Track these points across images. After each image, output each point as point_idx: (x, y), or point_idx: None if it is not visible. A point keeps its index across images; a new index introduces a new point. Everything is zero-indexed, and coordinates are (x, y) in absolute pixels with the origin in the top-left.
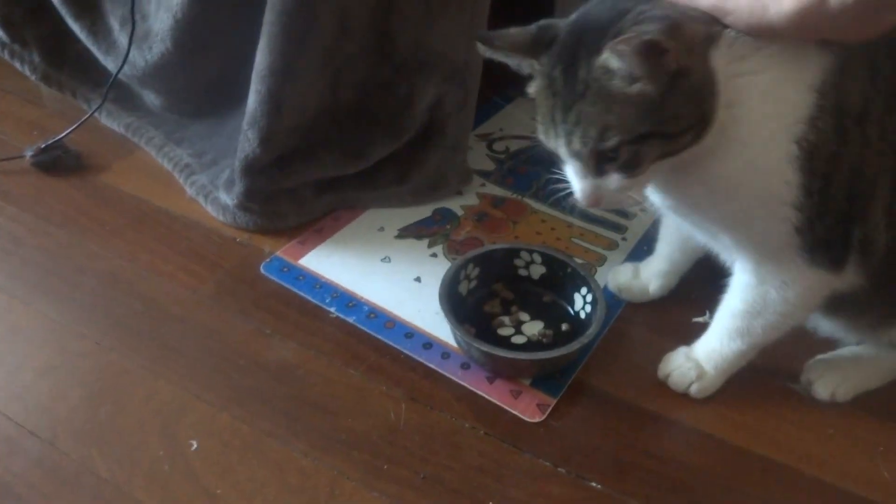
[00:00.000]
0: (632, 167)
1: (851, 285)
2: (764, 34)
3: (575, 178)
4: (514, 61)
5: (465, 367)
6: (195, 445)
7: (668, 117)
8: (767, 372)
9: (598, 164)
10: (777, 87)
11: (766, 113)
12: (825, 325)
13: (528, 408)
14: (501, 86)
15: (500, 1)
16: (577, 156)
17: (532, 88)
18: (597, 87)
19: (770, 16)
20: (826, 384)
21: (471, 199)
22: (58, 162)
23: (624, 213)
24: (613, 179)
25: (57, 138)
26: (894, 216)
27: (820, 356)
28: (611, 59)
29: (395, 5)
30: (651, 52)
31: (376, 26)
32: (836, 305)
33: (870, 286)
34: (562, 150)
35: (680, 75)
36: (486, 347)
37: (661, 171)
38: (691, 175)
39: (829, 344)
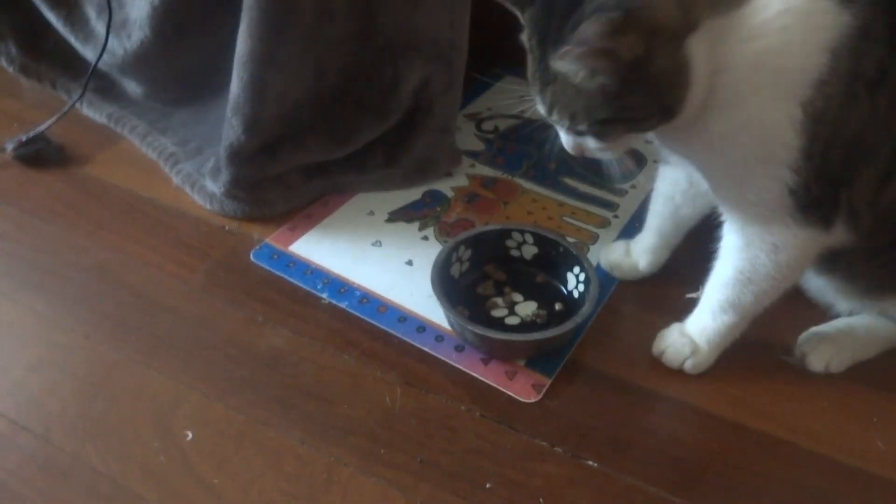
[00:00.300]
0: (603, 139)
1: (842, 243)
2: None
3: (560, 131)
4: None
5: (459, 349)
6: (190, 436)
7: (630, 106)
8: (761, 345)
9: (575, 130)
10: (786, 47)
11: (768, 77)
12: (818, 284)
13: (523, 388)
14: (489, 65)
15: None
16: (556, 122)
17: (523, 37)
18: (562, 78)
19: None
20: (820, 356)
21: (461, 181)
22: (40, 154)
23: (616, 191)
24: (591, 141)
25: (38, 130)
26: (887, 184)
27: (813, 328)
28: (564, 64)
29: None
30: (601, 53)
31: (358, 9)
32: (829, 264)
33: (860, 247)
34: (545, 115)
35: (641, 62)
36: (479, 330)
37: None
38: (687, 129)
39: (823, 316)
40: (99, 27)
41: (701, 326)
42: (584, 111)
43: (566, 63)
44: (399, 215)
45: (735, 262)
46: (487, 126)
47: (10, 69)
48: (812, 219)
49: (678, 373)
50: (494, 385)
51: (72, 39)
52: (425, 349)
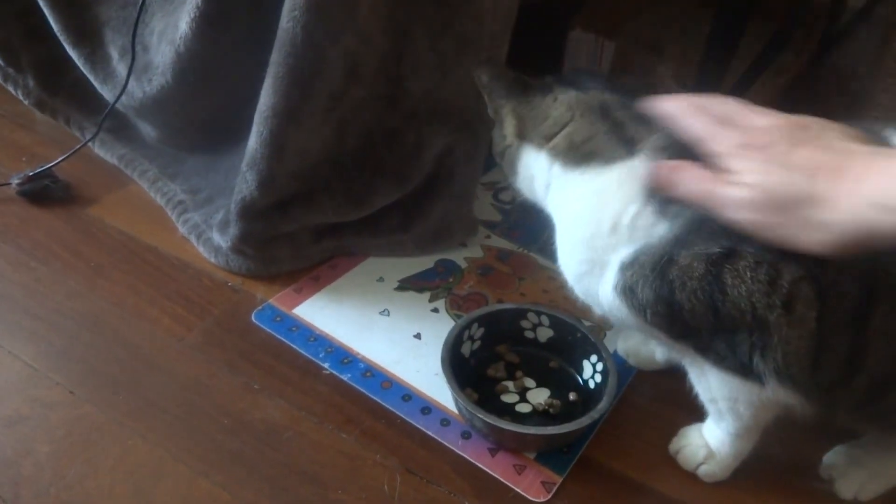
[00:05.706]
0: None
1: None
2: None
3: None
4: None
5: (465, 436)
6: None
7: None
8: (788, 461)
9: None
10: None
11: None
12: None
13: (532, 485)
14: None
15: (516, 50)
16: None
17: None
18: None
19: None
20: (849, 484)
21: (475, 252)
22: (45, 192)
23: None
24: None
25: (46, 167)
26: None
27: (840, 447)
28: None
29: (407, 53)
30: None
31: (387, 73)
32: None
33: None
34: None
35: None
36: (490, 419)
37: None
38: None
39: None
40: (120, 68)
41: (711, 431)
42: None
43: None
44: (410, 284)
45: (697, 383)
46: (505, 196)
47: (26, 102)
48: (725, 368)
49: (697, 478)
50: (502, 479)
51: (91, 78)
52: (429, 433)
